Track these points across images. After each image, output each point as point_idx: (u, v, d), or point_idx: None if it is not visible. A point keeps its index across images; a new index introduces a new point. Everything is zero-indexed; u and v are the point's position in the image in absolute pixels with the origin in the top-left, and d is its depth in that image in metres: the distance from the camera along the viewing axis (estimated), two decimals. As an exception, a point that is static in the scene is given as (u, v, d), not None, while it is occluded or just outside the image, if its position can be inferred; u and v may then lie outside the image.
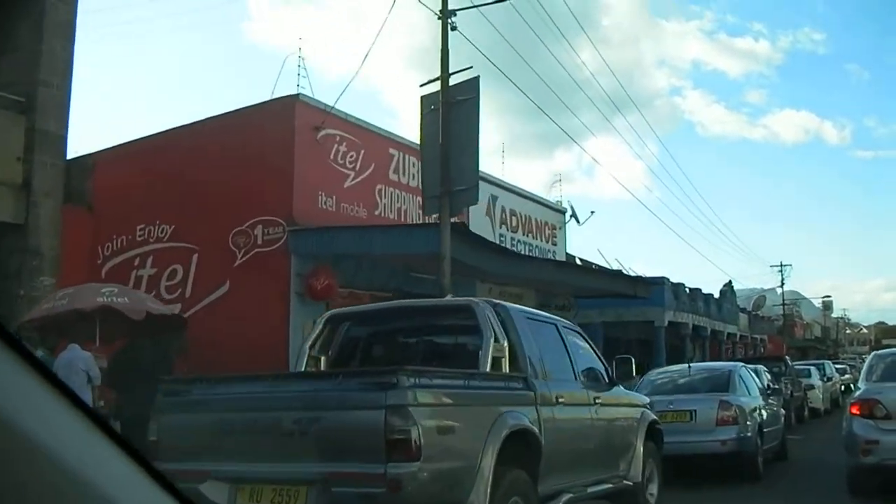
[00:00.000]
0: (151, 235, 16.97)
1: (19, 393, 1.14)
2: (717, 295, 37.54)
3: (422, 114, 13.94)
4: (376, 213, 17.49)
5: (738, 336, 40.76)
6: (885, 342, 66.63)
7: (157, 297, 16.53)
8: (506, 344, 6.63)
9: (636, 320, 27.80)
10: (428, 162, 13.67)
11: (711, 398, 11.83)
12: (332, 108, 16.05)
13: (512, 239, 22.40)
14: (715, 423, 11.47)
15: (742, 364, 14.31)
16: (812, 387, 27.91)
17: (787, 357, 25.47)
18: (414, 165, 18.40)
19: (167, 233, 16.74)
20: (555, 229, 25.70)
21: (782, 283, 56.07)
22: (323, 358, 7.44)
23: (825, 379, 30.78)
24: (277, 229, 15.39)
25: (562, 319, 8.28)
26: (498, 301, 7.16)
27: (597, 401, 7.69)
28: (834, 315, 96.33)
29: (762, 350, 50.15)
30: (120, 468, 1.27)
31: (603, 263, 29.88)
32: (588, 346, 8.40)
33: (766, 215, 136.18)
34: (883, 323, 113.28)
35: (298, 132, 15.77)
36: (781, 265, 56.86)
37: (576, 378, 7.63)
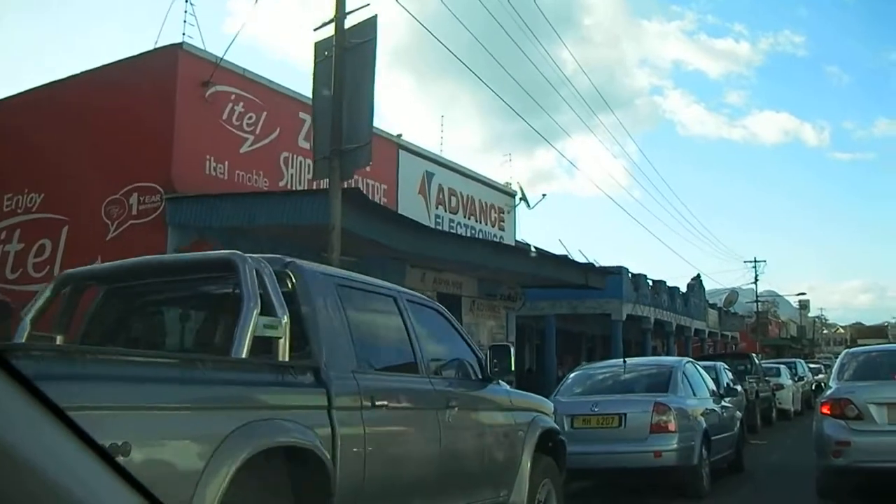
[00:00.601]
0: (20, 205, 14.75)
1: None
2: (683, 289, 35.55)
3: (315, 62, 11.72)
4: (281, 183, 15.27)
5: (706, 333, 38.77)
6: (860, 342, 65.07)
7: (25, 275, 14.35)
8: (286, 319, 4.44)
9: (592, 313, 25.75)
10: (319, 116, 11.48)
11: (645, 399, 9.73)
12: (223, 59, 13.81)
13: (451, 221, 20.22)
14: (648, 430, 9.37)
15: (689, 360, 12.20)
16: (781, 387, 26.02)
17: (752, 354, 23.44)
18: (330, 133, 16.22)
19: (36, 202, 14.52)
20: (502, 213, 23.53)
21: (756, 279, 54.25)
22: (61, 336, 5.25)
23: (796, 378, 28.87)
24: (154, 198, 13.18)
25: (410, 292, 6.08)
26: (289, 259, 4.94)
27: (451, 404, 5.53)
28: (811, 314, 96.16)
29: (734, 348, 48.34)
30: (86, 466, 1.25)
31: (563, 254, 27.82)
32: (453, 329, 6.25)
33: (745, 215, 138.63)
34: (860, 323, 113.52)
35: (181, 88, 13.57)
36: (755, 261, 55.04)
37: (421, 372, 5.47)
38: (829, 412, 8.89)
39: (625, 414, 9.43)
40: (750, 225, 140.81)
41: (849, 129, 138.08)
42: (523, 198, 24.35)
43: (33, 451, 1.15)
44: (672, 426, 9.29)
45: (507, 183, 24.37)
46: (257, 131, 14.80)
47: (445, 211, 20.27)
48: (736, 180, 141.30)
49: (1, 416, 1.13)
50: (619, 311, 25.55)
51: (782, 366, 28.19)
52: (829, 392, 9.45)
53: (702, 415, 10.30)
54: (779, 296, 79.98)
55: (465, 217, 21.15)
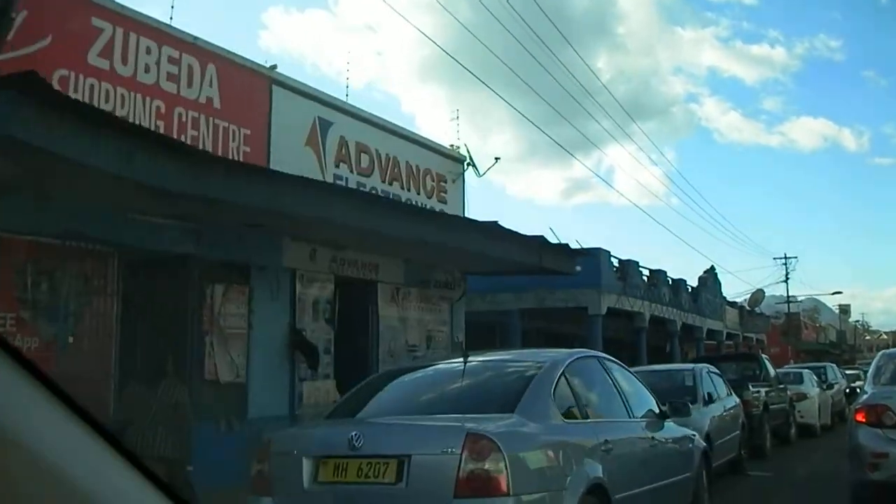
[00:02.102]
0: None
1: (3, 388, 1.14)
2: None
3: None
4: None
5: (724, 334, 33.61)
6: (905, 346, 59.38)
7: None
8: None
9: (565, 307, 20.96)
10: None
11: (453, 427, 4.98)
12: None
13: (362, 186, 15.57)
14: (452, 490, 4.61)
15: (595, 354, 7.28)
16: (804, 396, 21.14)
17: (762, 356, 18.47)
18: (150, 52, 11.79)
19: None
20: (443, 182, 18.84)
21: (787, 278, 48.89)
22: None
23: (825, 386, 23.83)
24: None
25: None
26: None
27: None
28: (852, 319, 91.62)
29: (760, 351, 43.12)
30: (111, 468, 1.25)
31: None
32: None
33: (784, 223, 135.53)
34: None
35: None
36: (785, 257, 49.71)
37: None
38: (864, 420, 8.23)
39: (408, 457, 4.69)
40: (790, 232, 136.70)
41: (888, 133, 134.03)
42: (471, 163, 19.68)
43: (50, 447, 1.14)
44: (502, 482, 4.54)
45: (453, 146, 19.70)
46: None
47: (352, 171, 15.63)
48: (775, 188, 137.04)
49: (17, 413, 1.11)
50: (598, 303, 20.73)
51: (805, 371, 23.20)
52: (864, 397, 8.79)
53: (595, 452, 5.51)
54: (820, 302, 76.99)
55: (384, 181, 16.50)
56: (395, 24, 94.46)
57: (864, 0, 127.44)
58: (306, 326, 13.78)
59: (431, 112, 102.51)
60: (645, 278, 25.01)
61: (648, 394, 7.37)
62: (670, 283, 27.32)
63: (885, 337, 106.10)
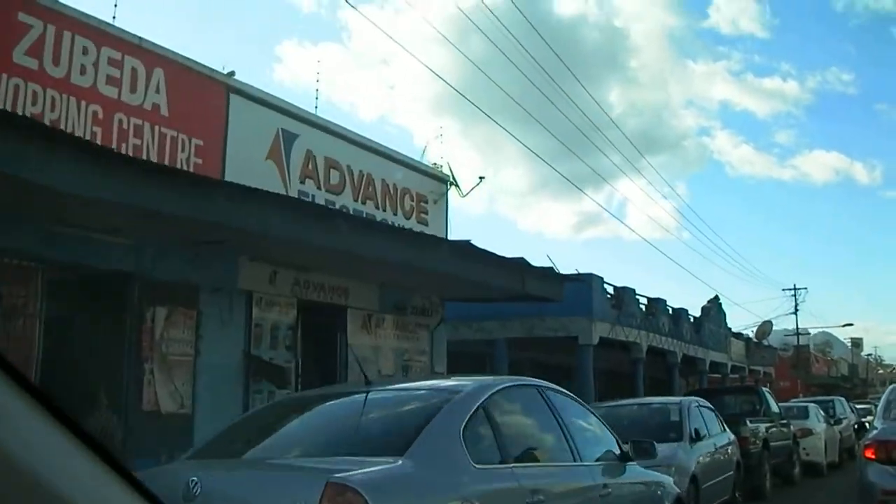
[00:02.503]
0: None
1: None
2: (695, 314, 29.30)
3: None
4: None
5: (729, 367, 32.30)
6: (919, 380, 57.76)
7: None
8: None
9: (554, 336, 19.83)
10: None
11: (311, 474, 3.88)
12: None
13: (330, 204, 14.55)
14: None
15: (535, 383, 6.04)
16: (810, 432, 19.90)
17: (762, 389, 17.26)
18: (87, 52, 10.90)
19: None
20: (424, 202, 17.82)
21: (796, 309, 47.54)
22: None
23: (832, 421, 22.58)
24: None
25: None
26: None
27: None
28: (864, 353, 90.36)
29: (768, 385, 41.75)
30: (89, 470, 1.25)
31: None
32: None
33: (795, 256, 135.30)
34: None
35: None
36: (795, 288, 48.41)
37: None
38: (874, 456, 7.89)
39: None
40: (802, 265, 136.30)
41: None
42: (453, 182, 18.67)
43: (47, 468, 1.14)
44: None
45: (436, 165, 18.72)
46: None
47: (319, 188, 14.64)
48: (787, 221, 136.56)
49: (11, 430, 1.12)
50: (589, 332, 19.58)
51: (811, 405, 21.96)
52: (874, 433, 8.49)
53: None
54: (832, 336, 75.41)
55: (356, 200, 15.49)
56: (409, 58, 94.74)
57: (876, 33, 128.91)
58: (263, 354, 12.71)
59: (443, 145, 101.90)
60: (642, 307, 23.84)
61: (608, 432, 6.24)
62: (670, 312, 26.13)
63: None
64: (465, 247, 13.93)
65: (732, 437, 13.02)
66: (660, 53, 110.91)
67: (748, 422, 14.37)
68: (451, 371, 17.39)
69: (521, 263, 15.81)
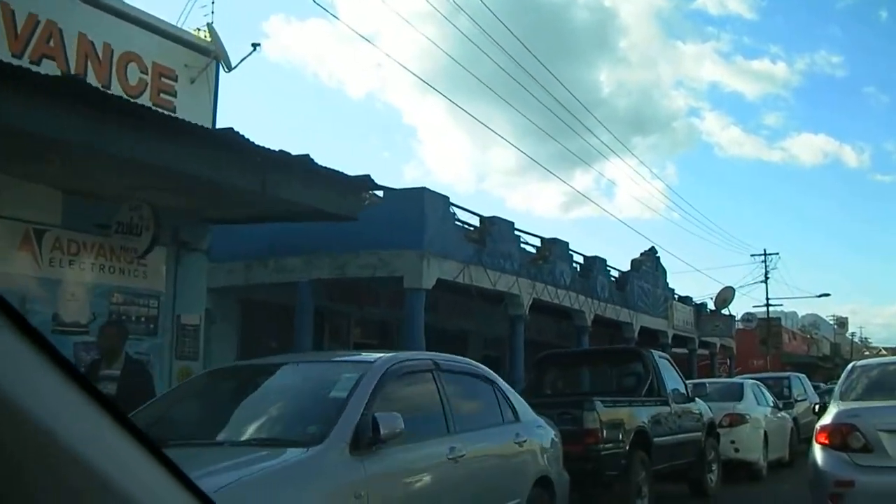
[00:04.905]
0: None
1: (23, 373, 1.07)
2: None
3: None
4: None
5: (669, 335, 26.28)
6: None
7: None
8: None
9: (372, 277, 13.86)
10: None
11: None
12: None
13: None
14: None
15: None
16: (742, 419, 14.17)
17: (656, 354, 11.18)
18: None
19: None
20: (173, 79, 11.95)
21: (766, 278, 41.71)
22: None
23: (781, 405, 16.82)
24: None
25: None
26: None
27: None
28: (849, 333, 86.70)
29: (727, 363, 35.97)
30: (134, 458, 1.18)
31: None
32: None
33: (786, 240, 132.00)
34: None
35: None
36: (765, 254, 42.60)
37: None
38: (827, 441, 7.16)
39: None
40: (790, 249, 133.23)
41: (890, 150, 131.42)
42: (218, 54, 12.86)
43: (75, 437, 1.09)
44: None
45: (198, 30, 12.92)
46: None
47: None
48: (775, 204, 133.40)
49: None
50: (419, 272, 13.53)
51: (749, 382, 16.08)
52: (828, 416, 7.49)
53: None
54: (821, 318, 74.33)
55: (65, 68, 9.52)
56: (395, 35, 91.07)
57: (864, 16, 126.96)
58: None
59: (434, 124, 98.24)
60: (531, 248, 17.82)
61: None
62: (578, 261, 20.10)
63: (884, 352, 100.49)
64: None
65: (549, 432, 7.11)
66: (649, 33, 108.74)
67: (598, 404, 8.40)
68: (232, 327, 11.49)
69: (268, 154, 9.85)
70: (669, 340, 26.19)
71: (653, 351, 11.09)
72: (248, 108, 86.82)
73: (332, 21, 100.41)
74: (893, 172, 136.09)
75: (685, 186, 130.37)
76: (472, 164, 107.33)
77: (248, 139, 10.19)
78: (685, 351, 30.17)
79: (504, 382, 6.98)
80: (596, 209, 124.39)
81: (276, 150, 10.06)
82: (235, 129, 9.74)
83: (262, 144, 10.04)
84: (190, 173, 9.57)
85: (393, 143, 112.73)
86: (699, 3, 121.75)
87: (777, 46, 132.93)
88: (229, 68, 14.01)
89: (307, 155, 10.52)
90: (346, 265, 14.01)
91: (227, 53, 14.04)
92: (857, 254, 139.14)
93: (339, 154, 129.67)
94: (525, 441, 6.63)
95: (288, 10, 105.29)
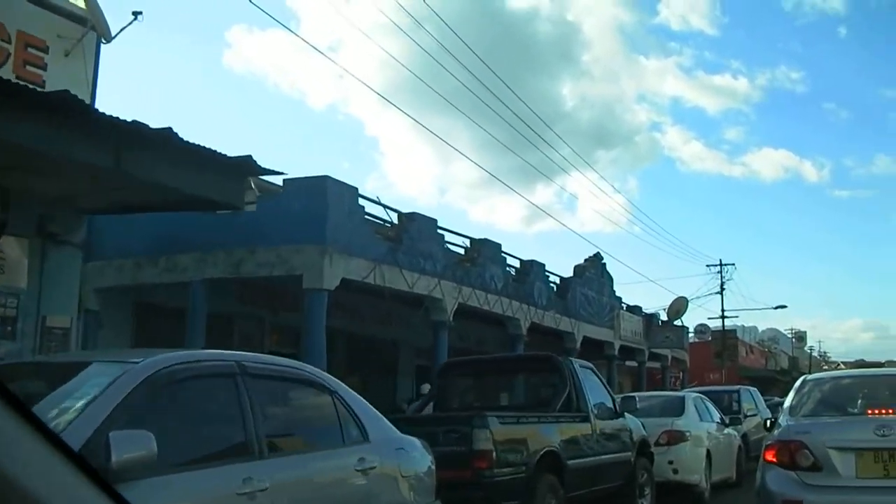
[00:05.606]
0: None
1: None
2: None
3: None
4: None
5: (616, 346, 24.98)
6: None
7: None
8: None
9: (276, 275, 12.38)
10: None
11: None
12: None
13: None
14: None
15: None
16: (682, 437, 12.88)
17: (576, 363, 9.76)
18: None
19: None
20: (43, 50, 10.47)
21: (721, 289, 40.73)
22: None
23: (726, 421, 15.57)
24: None
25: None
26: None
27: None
28: (807, 347, 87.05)
29: (680, 376, 34.84)
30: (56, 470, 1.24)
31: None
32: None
33: (745, 254, 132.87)
34: (862, 360, 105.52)
35: None
36: (721, 264, 41.62)
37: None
38: (775, 459, 6.90)
39: None
40: (753, 264, 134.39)
41: (849, 166, 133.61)
42: (97, 24, 11.41)
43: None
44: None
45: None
46: None
47: None
48: (737, 218, 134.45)
49: None
50: (320, 271, 12.03)
51: (692, 395, 14.83)
52: (777, 431, 7.19)
53: None
54: (781, 333, 74.22)
55: None
56: (359, 46, 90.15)
57: (824, 32, 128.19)
58: None
59: (396, 136, 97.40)
60: (458, 248, 16.41)
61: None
62: (513, 264, 18.71)
63: (842, 367, 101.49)
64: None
65: (416, 456, 5.69)
66: (612, 48, 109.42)
67: (490, 423, 6.97)
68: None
69: (110, 121, 8.37)
70: (616, 352, 24.89)
71: (572, 359, 9.68)
72: (208, 118, 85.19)
73: (294, 31, 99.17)
74: (852, 188, 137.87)
75: (647, 201, 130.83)
76: (434, 177, 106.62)
77: (87, 104, 8.75)
78: (635, 363, 28.94)
79: (352, 393, 5.51)
80: (556, 223, 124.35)
81: (128, 120, 8.60)
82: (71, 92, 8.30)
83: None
84: (28, 145, 8.13)
85: (355, 154, 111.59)
86: (662, 18, 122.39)
87: (738, 62, 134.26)
88: (108, 39, 12.57)
89: (169, 128, 9.02)
90: (242, 263, 12.49)
91: (106, 23, 12.58)
92: (816, 269, 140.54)
93: (300, 166, 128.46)
94: (373, 468, 5.17)
95: (250, 21, 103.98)
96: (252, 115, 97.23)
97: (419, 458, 5.88)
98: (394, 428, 5.76)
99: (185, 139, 9.09)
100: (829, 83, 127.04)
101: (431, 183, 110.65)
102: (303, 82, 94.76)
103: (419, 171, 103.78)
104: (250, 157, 9.66)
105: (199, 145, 9.29)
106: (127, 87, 73.66)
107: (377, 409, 5.71)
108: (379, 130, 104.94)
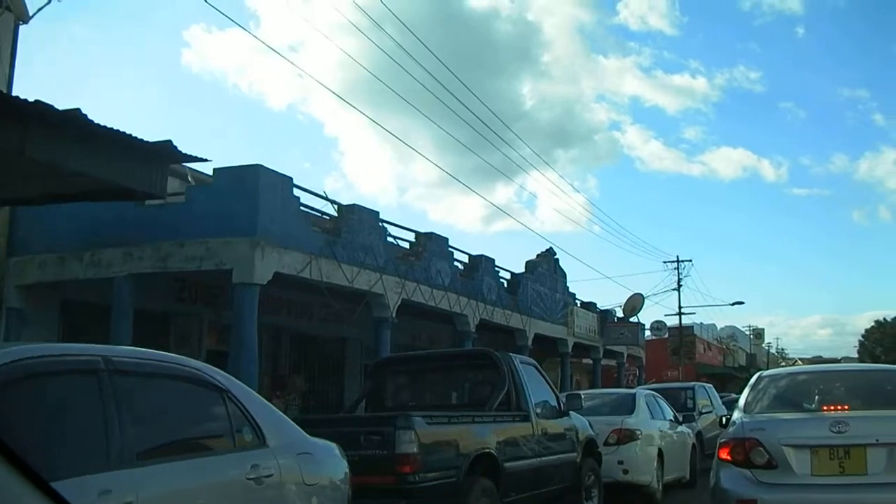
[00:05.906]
0: None
1: None
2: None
3: None
4: None
5: (570, 344, 24.56)
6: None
7: None
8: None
9: (204, 269, 11.73)
10: None
11: None
12: None
13: None
14: None
15: None
16: (631, 436, 12.41)
17: (517, 359, 9.19)
18: None
19: None
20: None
21: (679, 285, 40.56)
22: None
23: (679, 419, 15.16)
24: None
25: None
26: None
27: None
28: (765, 344, 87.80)
29: (637, 372, 34.55)
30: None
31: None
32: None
33: (704, 251, 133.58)
34: (819, 357, 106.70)
35: None
36: (678, 260, 41.44)
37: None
38: (729, 457, 6.75)
39: None
40: (711, 262, 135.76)
41: (806, 164, 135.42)
42: (9, 5, 10.69)
43: None
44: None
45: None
46: None
47: None
48: (696, 217, 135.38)
49: None
50: (250, 266, 11.42)
51: (643, 392, 14.41)
52: (731, 429, 7.05)
53: None
54: (739, 330, 74.73)
55: None
56: (319, 45, 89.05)
57: (782, 32, 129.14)
58: None
59: (356, 135, 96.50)
60: (403, 242, 15.85)
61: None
62: (461, 259, 18.20)
63: (800, 363, 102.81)
64: None
65: (325, 461, 5.12)
66: (571, 48, 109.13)
67: (420, 420, 6.41)
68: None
69: (11, 101, 7.73)
70: (570, 349, 24.46)
71: (512, 355, 9.12)
72: (167, 118, 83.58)
73: (254, 31, 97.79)
74: (810, 186, 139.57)
75: (607, 199, 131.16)
76: (394, 176, 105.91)
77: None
78: (589, 361, 28.54)
79: (248, 391, 4.91)
80: (515, 223, 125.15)
81: (31, 100, 7.91)
82: None
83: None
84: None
85: (314, 154, 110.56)
86: (621, 18, 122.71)
87: (697, 62, 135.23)
88: (26, 20, 11.86)
89: (77, 109, 8.34)
90: (169, 257, 11.81)
91: (25, 4, 11.89)
92: (774, 267, 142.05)
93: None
94: (269, 476, 4.57)
95: (209, 20, 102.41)
96: (211, 115, 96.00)
97: (330, 463, 5.29)
98: (300, 430, 5.17)
99: (95, 121, 8.43)
100: (787, 83, 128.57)
101: (391, 182, 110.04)
102: (262, 83, 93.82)
103: (379, 170, 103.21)
104: (170, 141, 9.00)
105: (110, 128, 8.61)
106: (85, 89, 72.42)
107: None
108: (338, 130, 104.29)
